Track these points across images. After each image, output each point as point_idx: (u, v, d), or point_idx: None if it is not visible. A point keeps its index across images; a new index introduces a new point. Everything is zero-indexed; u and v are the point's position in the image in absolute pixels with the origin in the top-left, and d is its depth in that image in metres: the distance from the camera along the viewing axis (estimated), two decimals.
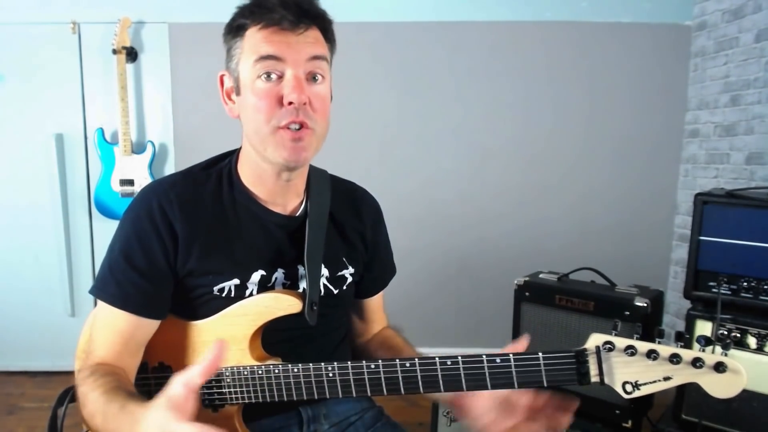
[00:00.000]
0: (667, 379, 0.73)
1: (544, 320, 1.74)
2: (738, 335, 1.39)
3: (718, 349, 0.76)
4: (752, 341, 1.37)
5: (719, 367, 0.72)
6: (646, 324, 1.55)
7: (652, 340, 0.76)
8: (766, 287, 1.40)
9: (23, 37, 2.56)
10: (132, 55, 2.59)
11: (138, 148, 2.62)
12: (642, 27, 2.62)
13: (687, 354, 0.73)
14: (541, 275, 1.81)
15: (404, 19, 2.64)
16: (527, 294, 1.77)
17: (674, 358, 0.73)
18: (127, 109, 2.54)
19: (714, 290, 1.46)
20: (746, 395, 1.36)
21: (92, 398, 0.81)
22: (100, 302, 0.89)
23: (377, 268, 1.10)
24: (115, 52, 2.52)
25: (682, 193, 2.69)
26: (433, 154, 2.73)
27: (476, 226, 2.77)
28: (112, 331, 0.88)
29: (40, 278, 2.72)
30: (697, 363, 0.72)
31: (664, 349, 0.74)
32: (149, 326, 0.90)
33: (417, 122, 2.71)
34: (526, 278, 1.79)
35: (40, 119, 2.62)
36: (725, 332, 1.41)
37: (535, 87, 2.68)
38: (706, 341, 0.76)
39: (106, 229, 2.69)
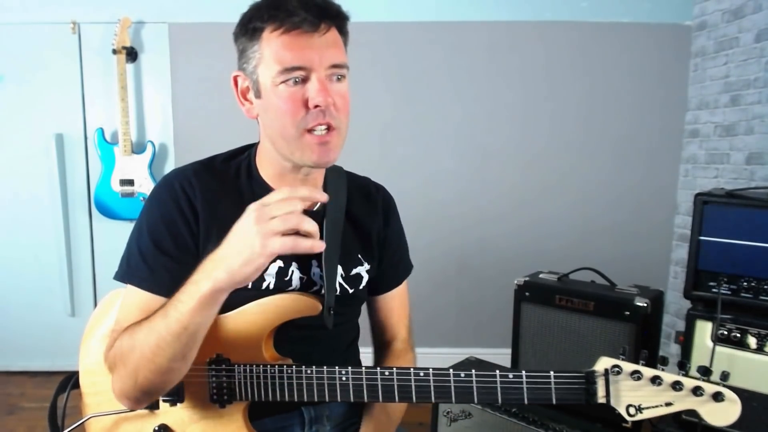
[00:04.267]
0: (668, 404, 0.79)
1: (544, 320, 1.74)
2: (738, 335, 1.39)
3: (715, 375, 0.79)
4: (752, 341, 1.37)
5: (717, 397, 0.77)
6: (646, 324, 1.55)
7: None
8: (766, 287, 1.39)
9: (23, 37, 2.57)
10: (132, 55, 2.59)
11: (138, 148, 2.62)
12: (642, 27, 2.62)
13: (689, 382, 0.78)
14: (541, 275, 1.81)
15: (403, 19, 2.64)
16: (527, 294, 1.77)
17: (677, 386, 0.78)
18: (127, 109, 2.54)
19: (714, 290, 1.45)
20: (746, 395, 1.36)
21: (139, 337, 0.80)
22: (129, 286, 0.89)
23: (392, 262, 1.09)
24: (115, 52, 2.52)
25: (682, 193, 2.68)
26: (433, 154, 2.73)
27: (476, 226, 2.76)
28: (140, 312, 0.86)
29: (40, 278, 2.72)
30: (697, 392, 0.77)
31: (668, 377, 0.79)
32: None
33: (416, 122, 2.71)
34: (526, 278, 1.79)
35: (40, 119, 2.63)
36: (725, 332, 1.41)
37: (534, 87, 2.68)
38: (705, 371, 0.80)
39: (106, 229, 2.70)
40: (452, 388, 0.83)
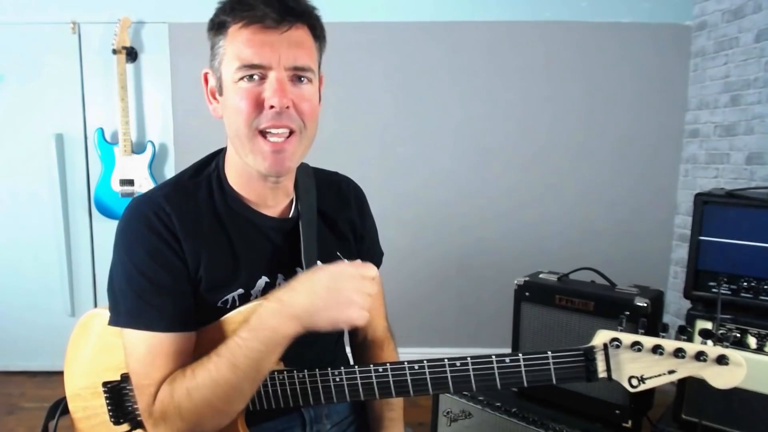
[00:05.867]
0: (671, 372, 0.76)
1: (544, 320, 1.74)
2: (738, 335, 1.39)
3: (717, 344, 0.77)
4: (752, 341, 1.37)
5: (722, 360, 0.74)
6: (646, 324, 1.55)
7: (656, 336, 0.79)
8: (766, 287, 1.40)
9: (23, 37, 2.56)
10: (132, 55, 2.59)
11: (138, 148, 2.62)
12: (642, 27, 2.62)
13: (691, 348, 0.75)
14: (541, 275, 1.81)
15: (403, 19, 2.64)
16: (527, 294, 1.77)
17: (679, 353, 0.75)
18: (127, 109, 2.54)
19: (714, 290, 1.45)
20: (746, 395, 1.36)
21: (201, 392, 0.78)
22: (135, 332, 0.82)
23: (367, 257, 1.08)
24: (115, 52, 2.52)
25: (682, 193, 2.68)
26: (433, 154, 2.73)
27: (476, 226, 2.76)
28: (162, 356, 0.82)
29: (40, 278, 2.72)
30: (700, 357, 0.75)
31: (669, 344, 0.76)
32: (192, 338, 0.86)
33: (416, 122, 2.71)
34: (526, 278, 1.79)
35: (40, 119, 2.62)
36: (725, 332, 1.41)
37: (534, 87, 2.68)
38: (706, 335, 0.78)
39: (106, 229, 2.69)
40: (449, 377, 0.81)
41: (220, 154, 0.95)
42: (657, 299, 1.63)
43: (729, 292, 1.43)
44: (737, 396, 1.37)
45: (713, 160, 2.46)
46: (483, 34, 2.64)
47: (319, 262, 0.96)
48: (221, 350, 0.79)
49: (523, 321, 1.79)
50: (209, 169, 0.94)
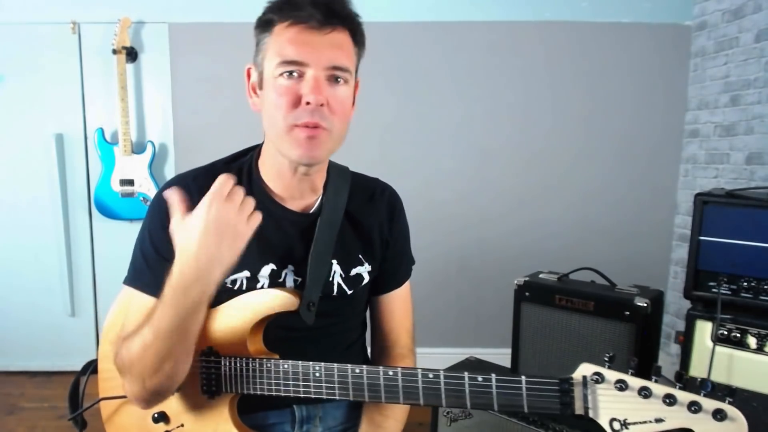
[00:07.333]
0: (658, 421, 0.68)
1: (544, 320, 1.74)
2: (738, 335, 1.39)
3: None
4: (752, 341, 1.37)
5: (717, 415, 0.67)
6: (646, 324, 1.55)
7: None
8: (766, 287, 1.39)
9: (23, 37, 2.57)
10: (132, 55, 2.59)
11: (138, 148, 2.62)
12: (642, 27, 2.62)
13: (683, 396, 0.68)
14: (541, 275, 1.81)
15: (403, 19, 2.64)
16: (527, 294, 1.77)
17: (668, 399, 0.68)
18: (127, 109, 2.55)
19: (714, 290, 1.45)
20: (746, 395, 1.36)
21: (138, 338, 0.82)
22: (133, 291, 0.92)
23: (393, 263, 1.08)
24: (115, 52, 2.52)
25: (682, 193, 2.69)
26: (433, 154, 2.73)
27: (476, 226, 2.77)
28: (147, 318, 0.88)
29: (40, 278, 2.72)
30: (692, 407, 0.67)
31: (658, 388, 0.69)
32: None
33: (416, 122, 2.71)
34: (526, 278, 1.79)
35: (40, 119, 2.63)
36: (725, 332, 1.41)
37: (534, 87, 2.68)
38: (713, 387, 0.69)
39: (106, 229, 2.70)
40: (420, 389, 0.80)
41: (257, 148, 1.00)
42: (657, 299, 1.62)
43: (729, 292, 1.43)
44: (737, 396, 1.37)
45: (713, 160, 2.46)
46: (483, 34, 2.64)
47: (334, 262, 0.98)
48: (150, 316, 0.83)
49: (523, 321, 1.78)
50: (244, 159, 1.00)
